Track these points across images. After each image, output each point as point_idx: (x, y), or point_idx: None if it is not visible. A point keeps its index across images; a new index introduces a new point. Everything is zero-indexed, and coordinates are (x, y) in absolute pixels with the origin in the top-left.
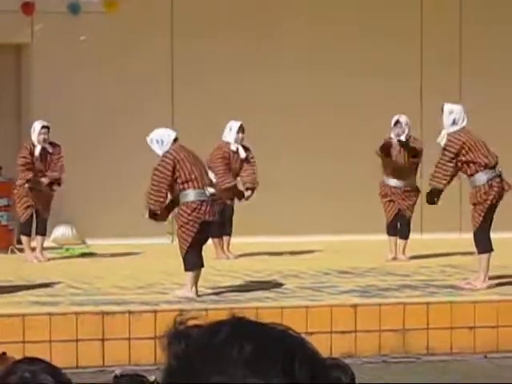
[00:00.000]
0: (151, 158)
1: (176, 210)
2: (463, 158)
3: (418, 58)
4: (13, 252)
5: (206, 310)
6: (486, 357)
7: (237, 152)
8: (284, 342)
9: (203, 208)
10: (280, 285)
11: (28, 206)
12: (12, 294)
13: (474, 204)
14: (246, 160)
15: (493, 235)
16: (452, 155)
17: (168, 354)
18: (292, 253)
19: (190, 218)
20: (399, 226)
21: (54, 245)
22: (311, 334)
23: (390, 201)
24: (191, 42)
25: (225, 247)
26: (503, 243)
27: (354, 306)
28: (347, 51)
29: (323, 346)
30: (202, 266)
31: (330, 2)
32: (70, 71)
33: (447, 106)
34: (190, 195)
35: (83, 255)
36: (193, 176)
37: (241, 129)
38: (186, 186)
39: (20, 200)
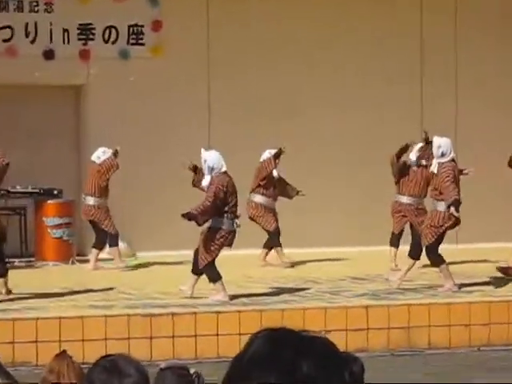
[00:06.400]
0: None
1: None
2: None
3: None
4: (73, 263)
5: (239, 311)
6: (479, 349)
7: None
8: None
9: (230, 237)
10: (302, 289)
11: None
12: (72, 298)
13: (430, 225)
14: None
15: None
16: (452, 179)
17: None
18: (313, 262)
19: (217, 242)
20: (412, 241)
21: (109, 256)
22: (329, 331)
23: (403, 216)
24: (226, 78)
25: (264, 256)
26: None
27: (366, 307)
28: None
29: (340, 342)
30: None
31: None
32: (121, 107)
33: (436, 140)
34: (224, 223)
35: (134, 266)
36: (227, 207)
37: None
38: (222, 213)
39: (108, 216)
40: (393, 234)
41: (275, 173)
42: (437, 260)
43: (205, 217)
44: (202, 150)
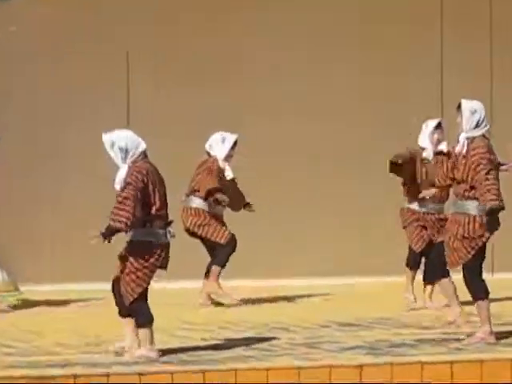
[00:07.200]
0: (102, 182)
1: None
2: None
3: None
4: None
5: (172, 373)
6: None
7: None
8: None
9: (163, 254)
10: (265, 340)
11: None
12: None
13: (464, 237)
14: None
15: None
16: (493, 165)
17: None
18: (280, 299)
19: (147, 264)
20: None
21: None
22: None
23: (423, 227)
24: (151, 22)
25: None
26: None
27: (360, 366)
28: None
29: None
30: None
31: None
32: None
33: (467, 104)
34: (151, 234)
35: (15, 305)
36: (154, 209)
37: (235, 144)
38: (148, 220)
39: None
40: (410, 250)
41: (230, 174)
42: (479, 289)
43: (127, 221)
44: (103, 134)
